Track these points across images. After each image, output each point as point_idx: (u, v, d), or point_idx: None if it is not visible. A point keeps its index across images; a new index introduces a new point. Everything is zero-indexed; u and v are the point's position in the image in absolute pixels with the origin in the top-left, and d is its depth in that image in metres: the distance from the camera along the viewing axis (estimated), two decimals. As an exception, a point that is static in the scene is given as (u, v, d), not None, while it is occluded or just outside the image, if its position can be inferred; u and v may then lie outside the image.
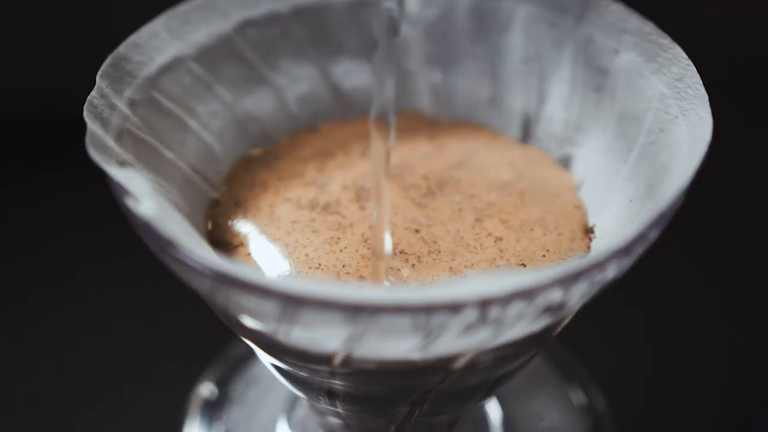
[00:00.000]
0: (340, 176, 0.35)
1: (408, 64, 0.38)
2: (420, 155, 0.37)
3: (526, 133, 0.37)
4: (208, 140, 0.35)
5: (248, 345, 0.32)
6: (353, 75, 0.38)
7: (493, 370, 0.30)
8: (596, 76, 0.35)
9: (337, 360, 0.28)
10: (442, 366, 0.28)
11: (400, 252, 0.32)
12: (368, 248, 0.32)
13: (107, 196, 0.28)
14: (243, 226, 0.33)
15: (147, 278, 0.44)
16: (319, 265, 0.32)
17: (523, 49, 0.37)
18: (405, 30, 0.38)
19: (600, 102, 0.35)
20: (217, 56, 0.35)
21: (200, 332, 0.43)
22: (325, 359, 0.28)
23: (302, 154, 0.37)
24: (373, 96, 0.30)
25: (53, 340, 0.45)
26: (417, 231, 0.33)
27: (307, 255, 0.32)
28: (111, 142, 0.30)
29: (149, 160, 0.31)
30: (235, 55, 0.36)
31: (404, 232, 0.33)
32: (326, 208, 0.34)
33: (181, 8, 0.35)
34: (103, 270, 0.48)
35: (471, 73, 0.38)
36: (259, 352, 0.32)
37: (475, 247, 0.32)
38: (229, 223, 0.33)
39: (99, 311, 0.47)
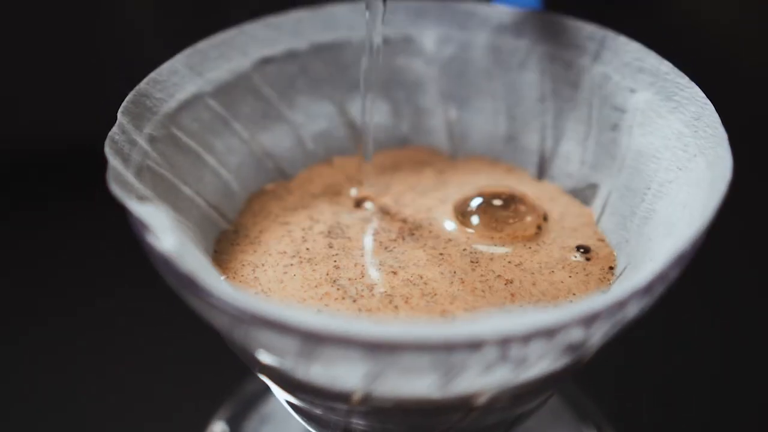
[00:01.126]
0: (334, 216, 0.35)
1: (424, 101, 0.39)
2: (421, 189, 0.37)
3: (542, 171, 0.37)
4: (225, 176, 0.35)
5: (262, 382, 0.32)
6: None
7: (512, 409, 0.30)
8: (612, 115, 0.35)
9: (356, 398, 0.28)
10: (461, 405, 0.28)
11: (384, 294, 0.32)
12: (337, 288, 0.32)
13: (125, 231, 0.28)
14: (238, 255, 0.33)
15: (159, 315, 0.44)
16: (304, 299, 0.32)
17: (538, 87, 0.37)
18: (421, 68, 0.38)
19: (616, 141, 0.35)
20: (235, 93, 0.36)
21: (213, 369, 0.43)
22: (344, 397, 0.28)
23: (313, 187, 0.37)
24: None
25: (63, 376, 0.45)
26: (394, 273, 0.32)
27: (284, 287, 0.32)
28: (131, 178, 0.30)
29: (167, 195, 0.32)
30: (253, 92, 0.36)
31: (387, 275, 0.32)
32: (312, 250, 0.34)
33: (200, 46, 0.35)
34: (115, 306, 0.48)
35: (487, 111, 0.38)
36: (275, 389, 0.32)
37: (483, 291, 0.32)
38: (229, 249, 0.34)
39: (110, 349, 0.46)
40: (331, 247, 0.34)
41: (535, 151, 0.37)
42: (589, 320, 0.25)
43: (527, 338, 0.24)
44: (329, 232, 0.34)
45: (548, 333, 0.24)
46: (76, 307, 0.48)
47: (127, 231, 0.28)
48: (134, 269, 0.37)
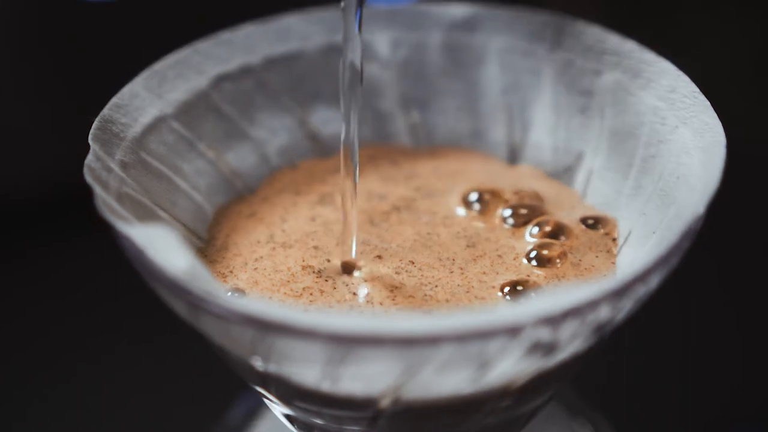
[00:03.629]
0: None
1: (384, 106, 0.38)
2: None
3: (513, 163, 0.37)
4: (197, 199, 0.34)
5: (251, 406, 0.31)
6: (331, 123, 0.38)
7: (535, 399, 0.29)
8: (580, 99, 0.35)
9: (383, 403, 0.27)
10: (492, 397, 0.27)
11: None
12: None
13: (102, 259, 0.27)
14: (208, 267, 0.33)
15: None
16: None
17: (500, 80, 0.37)
18: (377, 72, 0.38)
19: (588, 124, 0.35)
20: (196, 113, 0.35)
21: (199, 393, 0.42)
22: (369, 404, 0.27)
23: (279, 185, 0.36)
24: (342, 136, 0.31)
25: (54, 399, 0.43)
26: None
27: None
28: (115, 204, 0.28)
29: (147, 221, 0.30)
30: (214, 111, 0.35)
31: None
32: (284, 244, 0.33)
33: (157, 67, 0.34)
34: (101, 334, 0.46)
35: (450, 110, 0.38)
36: (276, 404, 0.30)
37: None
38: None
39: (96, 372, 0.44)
40: (313, 220, 0.33)
41: (503, 143, 0.37)
42: (618, 295, 0.25)
43: (561, 319, 0.24)
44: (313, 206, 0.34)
45: (583, 311, 0.24)
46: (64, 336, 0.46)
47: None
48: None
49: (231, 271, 0.32)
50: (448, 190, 0.35)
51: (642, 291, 0.25)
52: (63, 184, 0.39)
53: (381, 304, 0.30)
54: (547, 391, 0.29)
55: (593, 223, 0.33)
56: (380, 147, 0.38)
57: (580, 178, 0.35)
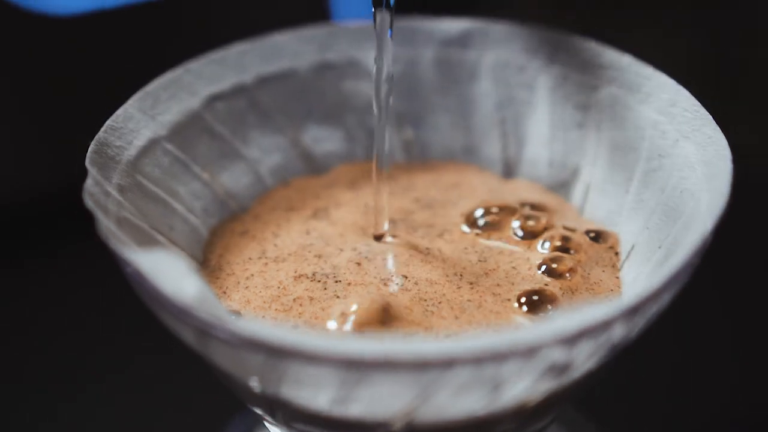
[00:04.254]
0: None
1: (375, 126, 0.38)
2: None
3: (509, 178, 0.37)
4: (193, 221, 0.33)
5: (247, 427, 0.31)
6: (323, 141, 0.37)
7: (544, 419, 0.29)
8: (576, 114, 0.35)
9: (395, 427, 0.26)
10: (503, 419, 0.27)
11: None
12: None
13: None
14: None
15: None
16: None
17: (494, 95, 0.37)
18: (370, 90, 0.37)
19: (584, 138, 0.35)
20: (189, 134, 0.34)
21: (194, 413, 0.41)
22: (378, 428, 0.26)
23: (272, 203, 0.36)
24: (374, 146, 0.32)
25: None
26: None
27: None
28: (116, 230, 0.28)
29: (146, 245, 0.29)
30: (207, 131, 0.35)
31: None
32: (276, 259, 0.33)
33: (150, 88, 0.33)
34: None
35: (443, 126, 0.37)
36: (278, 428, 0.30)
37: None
38: None
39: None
40: (308, 233, 0.33)
41: (498, 160, 0.37)
42: (632, 313, 0.24)
43: (580, 339, 0.24)
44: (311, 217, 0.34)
45: (600, 330, 0.24)
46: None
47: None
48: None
49: (224, 292, 0.31)
50: (450, 202, 0.35)
51: (655, 308, 0.25)
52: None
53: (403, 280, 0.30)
54: (558, 409, 0.29)
55: (595, 236, 0.32)
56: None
57: (577, 192, 0.35)
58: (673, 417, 0.42)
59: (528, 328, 0.23)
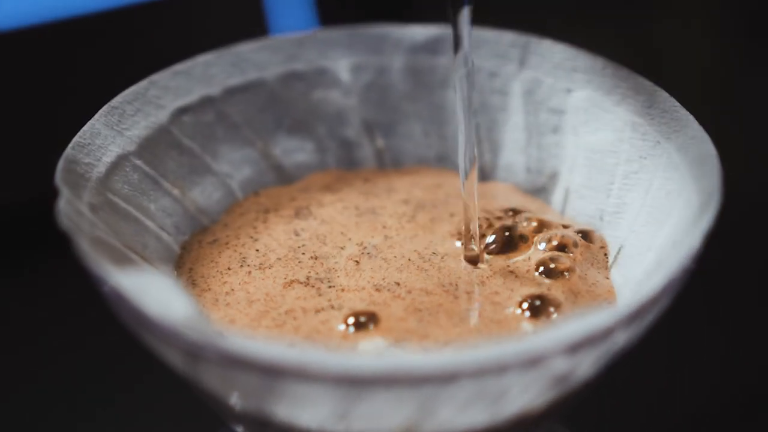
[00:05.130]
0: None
1: (348, 133, 0.37)
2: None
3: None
4: (166, 239, 0.32)
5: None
6: (294, 153, 0.36)
7: (541, 428, 0.28)
8: (551, 118, 0.35)
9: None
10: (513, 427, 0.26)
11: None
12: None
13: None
14: None
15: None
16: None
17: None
18: (339, 99, 0.37)
19: (561, 143, 0.34)
20: (158, 149, 0.33)
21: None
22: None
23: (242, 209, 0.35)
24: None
25: None
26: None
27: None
28: (90, 249, 0.26)
29: (121, 266, 0.28)
30: (176, 146, 0.34)
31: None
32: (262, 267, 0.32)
33: (115, 102, 0.32)
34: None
35: (415, 135, 0.37)
36: None
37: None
38: None
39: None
40: (297, 234, 0.32)
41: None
42: (637, 317, 0.24)
43: (577, 348, 0.23)
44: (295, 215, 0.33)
45: (599, 337, 0.23)
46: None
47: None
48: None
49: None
50: (440, 201, 0.34)
51: (657, 312, 0.25)
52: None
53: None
54: (554, 418, 0.28)
55: (583, 236, 0.32)
56: (347, 171, 0.37)
57: (557, 197, 0.34)
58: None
59: (533, 338, 0.23)
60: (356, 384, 0.23)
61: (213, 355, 0.23)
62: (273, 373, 0.23)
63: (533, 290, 0.30)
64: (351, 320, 0.29)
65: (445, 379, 0.23)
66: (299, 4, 0.54)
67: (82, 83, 0.34)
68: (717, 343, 0.42)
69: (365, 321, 0.29)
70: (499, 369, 0.23)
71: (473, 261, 0.31)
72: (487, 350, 0.22)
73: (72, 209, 0.27)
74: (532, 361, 0.23)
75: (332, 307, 0.29)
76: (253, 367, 0.22)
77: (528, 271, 0.31)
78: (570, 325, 0.23)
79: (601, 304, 0.29)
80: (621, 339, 0.24)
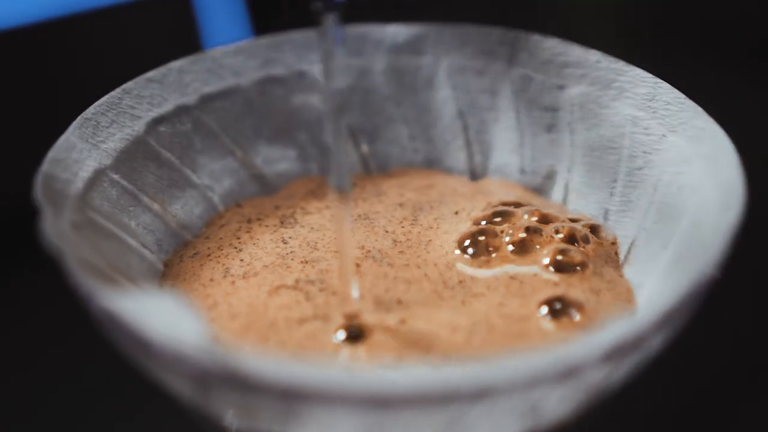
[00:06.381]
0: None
1: (330, 140, 0.35)
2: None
3: (478, 186, 0.35)
4: (150, 258, 0.30)
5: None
6: (276, 162, 0.35)
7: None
8: (544, 116, 0.33)
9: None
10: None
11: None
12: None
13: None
14: None
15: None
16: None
17: (453, 102, 0.35)
18: (320, 104, 0.35)
19: (557, 141, 0.33)
20: (135, 162, 0.31)
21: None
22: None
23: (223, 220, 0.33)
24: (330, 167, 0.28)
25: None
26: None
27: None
28: (82, 274, 0.24)
29: (115, 288, 0.26)
30: (153, 158, 0.32)
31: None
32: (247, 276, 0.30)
33: (88, 113, 0.30)
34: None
35: (401, 139, 0.35)
36: None
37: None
38: None
39: None
40: (285, 242, 0.31)
41: (464, 170, 0.35)
42: (666, 323, 0.23)
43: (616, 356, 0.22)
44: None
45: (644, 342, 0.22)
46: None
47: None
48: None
49: None
50: (437, 202, 0.33)
51: (690, 314, 0.24)
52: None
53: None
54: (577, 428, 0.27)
55: (592, 231, 0.31)
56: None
57: (555, 197, 0.33)
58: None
59: (566, 347, 0.21)
60: (384, 405, 0.21)
61: (229, 381, 0.21)
62: (296, 398, 0.21)
63: (551, 291, 0.28)
64: (341, 332, 0.27)
65: (477, 395, 0.21)
66: (232, 13, 0.53)
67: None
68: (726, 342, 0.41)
69: (357, 332, 0.27)
70: (533, 383, 0.21)
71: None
72: (520, 363, 0.21)
73: (55, 231, 0.25)
74: (568, 373, 0.21)
75: (321, 315, 0.28)
76: (278, 392, 0.21)
77: (539, 266, 0.29)
78: (606, 332, 0.22)
79: (622, 305, 0.28)
80: (657, 343, 0.23)
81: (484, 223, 0.31)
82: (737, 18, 0.51)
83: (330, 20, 0.27)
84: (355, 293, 0.28)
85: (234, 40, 0.35)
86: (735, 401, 0.37)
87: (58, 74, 0.38)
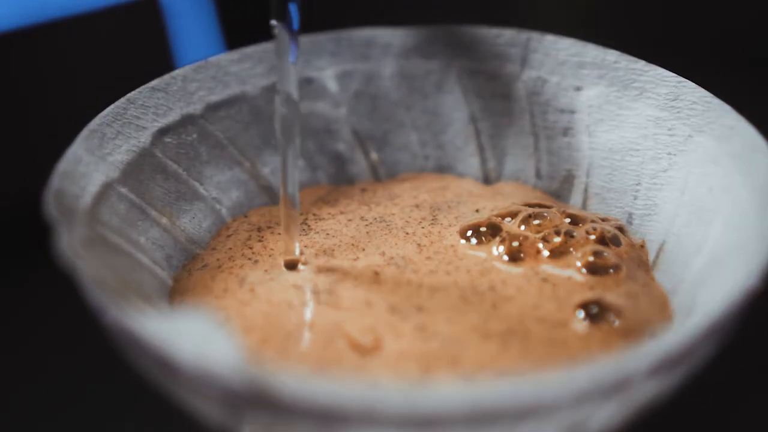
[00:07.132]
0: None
1: (339, 147, 0.34)
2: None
3: (491, 195, 0.34)
4: (161, 275, 0.29)
5: None
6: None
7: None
8: (560, 119, 0.32)
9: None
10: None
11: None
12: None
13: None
14: None
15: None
16: None
17: (465, 107, 0.34)
18: (328, 111, 0.34)
19: (574, 144, 0.32)
20: (142, 175, 0.30)
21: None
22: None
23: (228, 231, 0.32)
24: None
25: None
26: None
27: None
28: (103, 293, 0.23)
29: (137, 307, 0.25)
30: (160, 170, 0.30)
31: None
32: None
33: (93, 125, 0.29)
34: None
35: (411, 145, 0.34)
36: None
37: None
38: None
39: None
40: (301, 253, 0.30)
41: (477, 176, 0.34)
42: (715, 333, 0.22)
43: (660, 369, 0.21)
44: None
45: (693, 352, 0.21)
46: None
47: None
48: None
49: None
50: (454, 202, 0.32)
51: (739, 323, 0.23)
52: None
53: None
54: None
55: (620, 231, 0.30)
56: (337, 186, 0.34)
57: (573, 201, 0.32)
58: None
59: (614, 361, 0.20)
60: (430, 424, 0.20)
61: (265, 405, 0.20)
62: (337, 420, 0.20)
63: (586, 294, 0.27)
64: (365, 338, 0.26)
65: (524, 414, 0.20)
66: (204, 26, 0.51)
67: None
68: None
69: (372, 343, 0.26)
70: (581, 399, 0.20)
71: (292, 266, 0.29)
72: (569, 377, 0.20)
73: (69, 248, 0.24)
74: (617, 388, 0.20)
75: (341, 324, 0.27)
76: (318, 415, 0.20)
77: (573, 268, 0.28)
78: (655, 344, 0.21)
79: (658, 312, 0.27)
80: (704, 354, 0.22)
81: (509, 220, 0.30)
82: (745, 26, 0.50)
83: (284, 35, 0.27)
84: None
85: (205, 47, 0.34)
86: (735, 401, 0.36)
87: (26, 85, 0.37)
